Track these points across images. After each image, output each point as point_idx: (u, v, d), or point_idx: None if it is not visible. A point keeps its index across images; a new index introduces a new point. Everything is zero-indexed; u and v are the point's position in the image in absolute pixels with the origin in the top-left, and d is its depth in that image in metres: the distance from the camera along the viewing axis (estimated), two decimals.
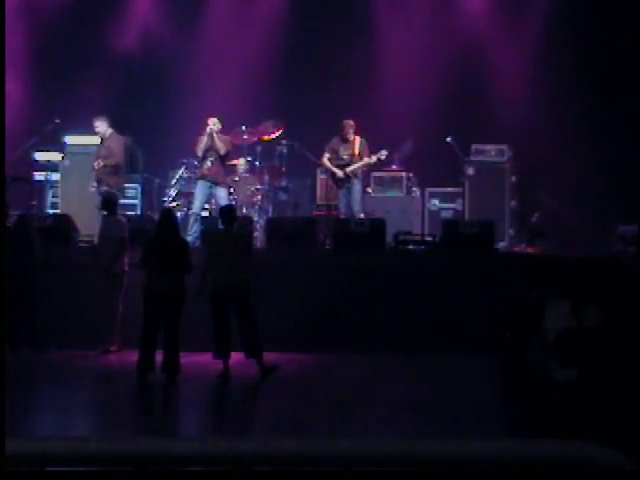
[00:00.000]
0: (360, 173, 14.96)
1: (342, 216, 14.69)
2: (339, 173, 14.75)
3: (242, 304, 10.97)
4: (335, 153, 14.85)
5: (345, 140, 14.80)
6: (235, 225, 11.60)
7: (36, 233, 12.67)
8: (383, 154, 14.84)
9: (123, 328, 12.24)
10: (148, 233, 12.01)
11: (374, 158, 14.78)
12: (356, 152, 14.75)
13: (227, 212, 11.57)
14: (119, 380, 11.00)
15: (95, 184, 14.34)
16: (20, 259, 12.21)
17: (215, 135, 14.57)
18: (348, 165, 14.76)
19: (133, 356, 11.04)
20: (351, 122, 14.78)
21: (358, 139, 14.80)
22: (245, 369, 11.00)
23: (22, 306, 12.25)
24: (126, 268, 12.36)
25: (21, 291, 12.18)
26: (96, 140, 15.01)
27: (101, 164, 14.24)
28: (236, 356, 11.02)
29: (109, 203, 12.82)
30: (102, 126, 14.49)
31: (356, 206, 14.75)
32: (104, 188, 14.13)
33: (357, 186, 14.84)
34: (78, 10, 17.30)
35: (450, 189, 16.16)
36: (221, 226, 11.67)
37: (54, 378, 11.51)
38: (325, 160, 14.91)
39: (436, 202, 16.16)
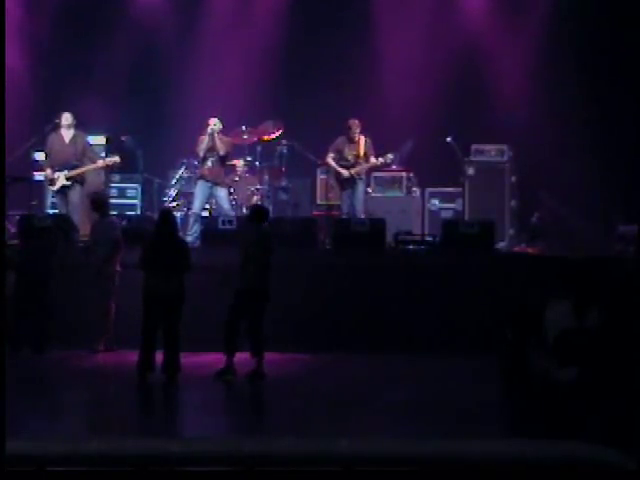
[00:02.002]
0: (364, 174, 14.93)
1: (344, 216, 14.63)
2: (345, 174, 14.66)
3: (262, 304, 10.96)
4: (340, 153, 14.74)
5: (351, 140, 14.70)
6: (264, 225, 11.51)
7: (61, 235, 12.77)
8: (389, 158, 14.83)
9: (118, 328, 12.23)
10: (147, 233, 12.00)
11: (380, 160, 14.73)
12: (361, 153, 14.65)
13: (260, 212, 11.53)
14: (119, 380, 10.99)
15: (68, 182, 14.10)
16: (41, 260, 12.30)
17: (216, 136, 14.56)
18: (353, 166, 14.68)
19: (133, 356, 11.03)
20: (357, 122, 14.66)
21: (363, 139, 14.71)
22: (245, 369, 10.99)
23: (31, 307, 12.27)
24: (118, 268, 12.35)
25: (35, 292, 12.22)
26: (100, 140, 15.00)
27: (98, 164, 14.23)
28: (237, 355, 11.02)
29: (99, 204, 12.75)
30: (72, 121, 14.34)
31: (359, 206, 14.69)
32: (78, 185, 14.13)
33: (361, 187, 14.78)
34: (78, 13, 17.32)
35: (450, 189, 16.16)
36: (249, 225, 11.54)
37: (54, 378, 11.51)
38: (330, 160, 14.80)
39: (436, 202, 16.17)
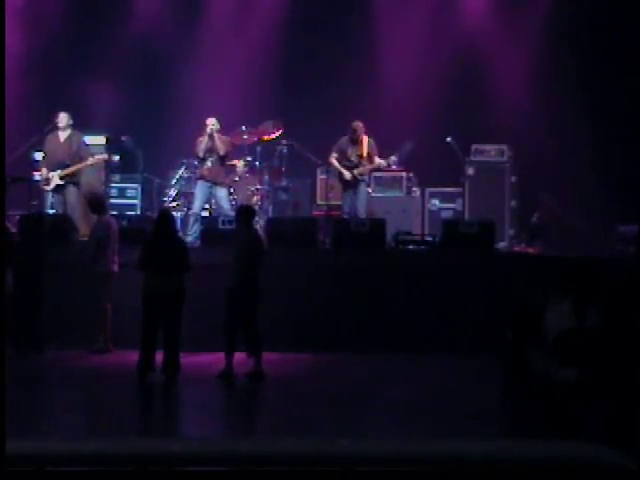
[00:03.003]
0: (367, 174, 14.88)
1: (345, 217, 14.59)
2: (347, 175, 14.60)
3: (252, 304, 10.96)
4: (343, 154, 14.66)
5: (355, 142, 14.64)
6: (252, 224, 11.51)
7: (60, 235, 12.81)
8: (392, 160, 14.82)
9: (118, 328, 12.22)
10: (146, 234, 12.00)
11: (384, 162, 14.69)
12: (364, 153, 14.56)
13: (246, 211, 11.54)
14: (119, 380, 10.99)
15: (61, 181, 14.08)
16: (32, 259, 12.28)
17: (216, 136, 14.56)
18: (356, 166, 14.60)
19: (133, 356, 11.03)
20: (361, 124, 14.56)
21: (366, 139, 14.61)
22: (245, 369, 10.99)
23: (27, 306, 12.26)
24: (114, 268, 12.33)
25: (29, 291, 12.21)
26: (100, 140, 14.94)
27: (87, 162, 14.22)
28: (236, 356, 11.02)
29: (96, 204, 12.77)
30: (68, 122, 14.30)
31: (361, 207, 14.62)
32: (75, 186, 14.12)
33: (364, 188, 14.71)
34: (78, 10, 17.33)
35: (450, 189, 16.16)
36: (239, 225, 11.55)
37: (53, 378, 11.51)
38: (333, 160, 14.70)
39: (436, 202, 16.16)
